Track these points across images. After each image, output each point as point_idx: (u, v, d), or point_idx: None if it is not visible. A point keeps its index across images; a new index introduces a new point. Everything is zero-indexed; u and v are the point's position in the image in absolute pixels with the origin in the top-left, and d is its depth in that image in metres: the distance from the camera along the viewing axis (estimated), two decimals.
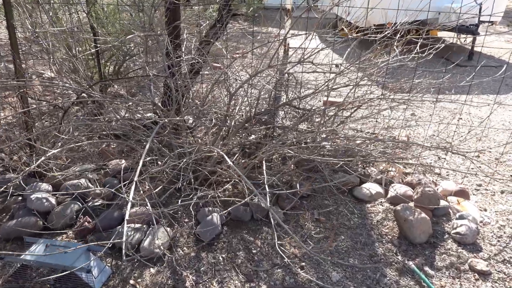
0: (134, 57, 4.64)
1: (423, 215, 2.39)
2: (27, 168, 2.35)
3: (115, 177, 2.91)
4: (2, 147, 2.88)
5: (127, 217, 1.57)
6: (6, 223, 2.41)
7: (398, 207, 2.46)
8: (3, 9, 2.57)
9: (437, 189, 2.89)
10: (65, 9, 3.92)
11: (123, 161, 3.07)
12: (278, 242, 2.29)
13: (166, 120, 2.42)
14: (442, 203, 2.64)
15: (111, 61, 4.56)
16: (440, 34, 7.79)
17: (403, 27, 2.79)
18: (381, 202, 2.73)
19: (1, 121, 3.11)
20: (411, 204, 2.64)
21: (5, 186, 2.50)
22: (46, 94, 3.63)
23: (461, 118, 4.11)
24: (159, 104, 3.25)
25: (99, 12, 4.12)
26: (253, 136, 3.47)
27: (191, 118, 3.47)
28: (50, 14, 4.09)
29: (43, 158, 2.12)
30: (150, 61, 3.19)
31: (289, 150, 2.36)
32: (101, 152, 3.13)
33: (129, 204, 1.71)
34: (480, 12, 6.31)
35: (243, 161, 3.16)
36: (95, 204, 2.60)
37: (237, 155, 3.08)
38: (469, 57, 6.60)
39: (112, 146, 3.29)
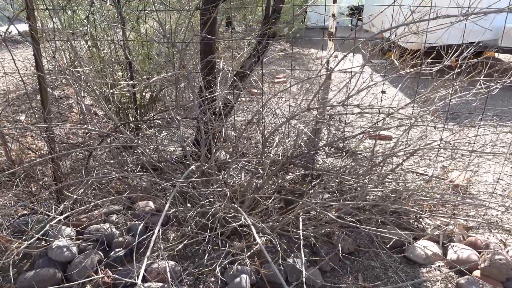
0: (172, 84, 4.55)
1: None
2: (51, 215, 2.22)
3: (142, 220, 2.73)
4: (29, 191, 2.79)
5: None
6: (24, 274, 2.27)
7: (462, 281, 2.06)
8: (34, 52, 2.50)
9: (507, 251, 2.44)
10: (103, 42, 3.89)
11: (151, 203, 2.88)
12: None
13: (193, 167, 2.20)
14: None
15: (147, 90, 4.48)
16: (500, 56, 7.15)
17: (467, 54, 2.41)
18: (439, 266, 2.33)
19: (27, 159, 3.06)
20: (476, 272, 2.22)
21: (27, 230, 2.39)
22: (72, 134, 3.56)
23: None
24: (190, 142, 3.06)
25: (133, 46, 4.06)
26: (290, 175, 3.18)
27: (224, 155, 3.25)
28: (88, 45, 4.09)
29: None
30: (182, 100, 3.02)
31: (327, 213, 2.04)
32: (130, 191, 2.96)
33: (145, 263, 1.47)
34: None
35: (279, 205, 2.88)
36: (117, 254, 2.41)
37: (272, 198, 2.81)
38: None
39: (141, 183, 3.13)
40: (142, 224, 2.24)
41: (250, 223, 1.47)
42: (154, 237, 1.66)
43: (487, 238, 2.58)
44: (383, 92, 5.67)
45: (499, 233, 2.68)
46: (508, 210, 2.84)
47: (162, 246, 2.19)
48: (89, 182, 2.32)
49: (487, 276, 2.15)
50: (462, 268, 2.21)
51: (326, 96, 3.26)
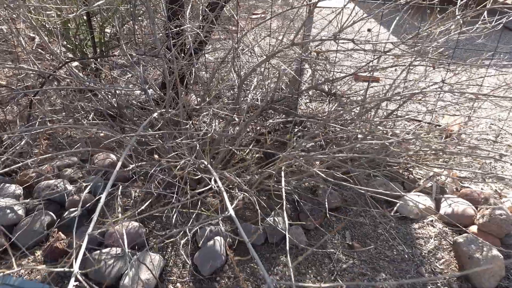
0: (139, 18, 4.00)
1: (495, 251, 1.79)
2: None
3: (102, 176, 2.39)
4: None
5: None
6: None
7: (460, 239, 1.86)
8: None
9: (503, 201, 2.27)
10: None
11: (111, 155, 2.53)
12: (299, 284, 1.75)
13: (156, 115, 1.84)
14: None
15: (108, 24, 3.92)
16: None
17: None
18: (432, 221, 2.14)
19: None
20: (473, 228, 2.03)
21: None
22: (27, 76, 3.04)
23: None
24: (157, 86, 2.66)
25: None
26: (270, 121, 2.87)
27: (195, 100, 2.87)
28: None
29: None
30: (140, 33, 2.56)
31: (313, 169, 1.75)
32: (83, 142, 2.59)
33: (83, 248, 1.16)
34: None
35: (257, 155, 2.59)
36: (72, 215, 2.10)
37: (249, 149, 2.50)
38: None
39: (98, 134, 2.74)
40: (96, 179, 1.91)
41: (222, 189, 1.16)
42: (103, 198, 1.34)
43: (481, 189, 2.40)
44: (368, 30, 5.22)
45: (493, 182, 2.50)
46: (502, 157, 2.65)
47: (122, 207, 1.89)
48: (30, 132, 1.93)
49: (484, 232, 1.97)
50: (458, 224, 2.02)
51: (308, 34, 2.86)
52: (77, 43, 3.76)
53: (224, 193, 1.13)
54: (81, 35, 3.77)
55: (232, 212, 1.04)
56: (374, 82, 3.88)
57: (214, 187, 1.28)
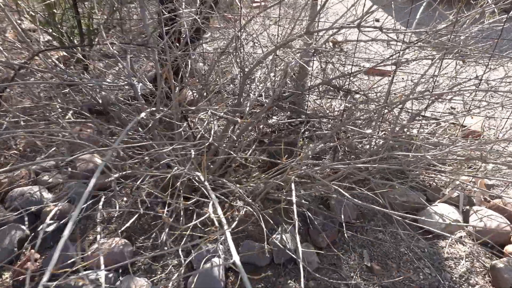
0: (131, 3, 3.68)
1: None
2: None
3: (85, 181, 2.11)
4: None
5: None
6: None
7: (500, 264, 1.60)
8: None
9: None
10: None
11: (96, 157, 2.24)
12: None
13: (144, 115, 1.55)
14: None
15: (99, 9, 3.59)
16: None
17: None
18: (461, 237, 1.87)
19: None
20: (510, 247, 1.77)
21: None
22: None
23: None
24: (148, 79, 2.37)
25: None
26: (274, 119, 2.59)
27: (191, 95, 2.58)
28: None
29: None
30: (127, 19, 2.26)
31: (329, 183, 1.47)
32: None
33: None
34: None
35: (261, 158, 2.31)
36: (47, 229, 1.82)
37: (252, 148, 2.23)
38: None
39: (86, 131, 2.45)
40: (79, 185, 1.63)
41: (224, 222, 0.89)
42: (70, 224, 1.05)
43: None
44: (377, 20, 4.88)
45: None
46: None
47: (104, 223, 1.61)
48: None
49: None
50: (492, 243, 1.76)
51: (313, 23, 2.56)
52: (63, 30, 3.44)
53: (229, 235, 0.85)
54: (67, 22, 3.45)
55: (237, 259, 0.76)
56: (385, 75, 3.60)
57: (213, 216, 1.00)
